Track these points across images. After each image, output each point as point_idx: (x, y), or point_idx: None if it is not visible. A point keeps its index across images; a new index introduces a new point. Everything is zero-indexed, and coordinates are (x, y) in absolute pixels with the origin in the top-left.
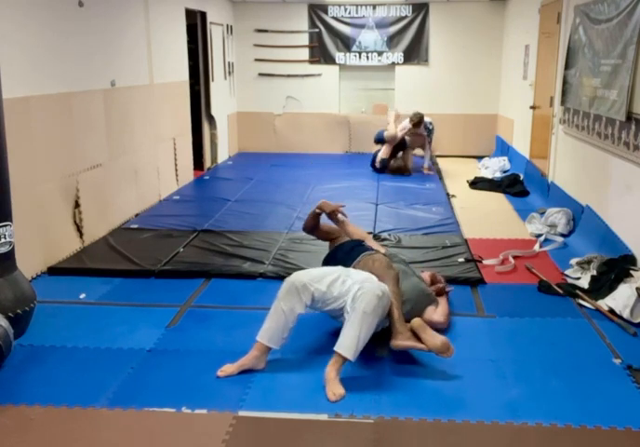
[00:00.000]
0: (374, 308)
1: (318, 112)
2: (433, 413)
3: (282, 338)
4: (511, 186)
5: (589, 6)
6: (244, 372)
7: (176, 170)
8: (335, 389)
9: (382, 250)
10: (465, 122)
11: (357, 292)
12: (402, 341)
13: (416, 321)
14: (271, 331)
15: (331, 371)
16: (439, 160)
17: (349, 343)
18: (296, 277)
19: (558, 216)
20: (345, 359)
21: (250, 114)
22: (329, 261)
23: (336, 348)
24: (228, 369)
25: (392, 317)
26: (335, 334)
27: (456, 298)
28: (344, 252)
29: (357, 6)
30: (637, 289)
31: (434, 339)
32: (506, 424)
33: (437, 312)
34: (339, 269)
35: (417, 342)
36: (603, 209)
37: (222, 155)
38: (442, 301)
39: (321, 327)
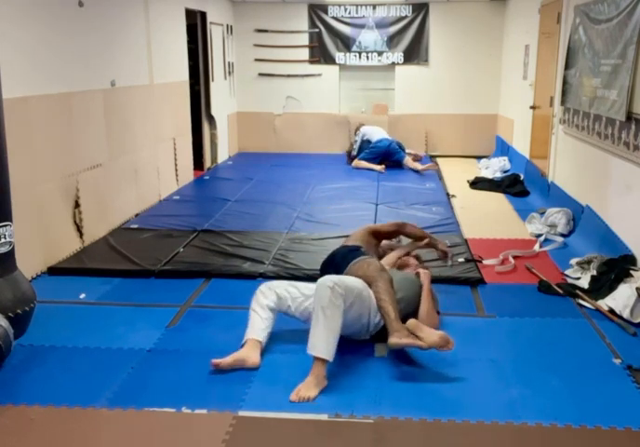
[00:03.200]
0: (330, 300)
1: (318, 112)
2: (433, 412)
3: (261, 329)
4: (511, 186)
5: (589, 6)
6: (242, 371)
7: (176, 170)
8: (302, 391)
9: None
10: (465, 122)
11: (312, 292)
12: (399, 339)
13: (411, 322)
14: (250, 328)
15: (310, 375)
16: (439, 160)
17: (315, 341)
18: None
19: (558, 216)
20: (321, 360)
21: (250, 114)
22: (327, 264)
23: (308, 351)
24: (223, 360)
25: (387, 316)
26: None
27: (456, 298)
28: (341, 256)
29: (357, 6)
30: (637, 289)
31: (432, 335)
32: (506, 424)
33: (420, 315)
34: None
35: (415, 339)
36: (603, 209)
37: (222, 155)
38: (423, 299)
39: None
